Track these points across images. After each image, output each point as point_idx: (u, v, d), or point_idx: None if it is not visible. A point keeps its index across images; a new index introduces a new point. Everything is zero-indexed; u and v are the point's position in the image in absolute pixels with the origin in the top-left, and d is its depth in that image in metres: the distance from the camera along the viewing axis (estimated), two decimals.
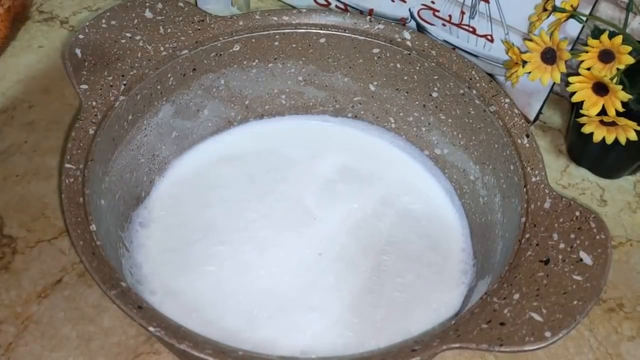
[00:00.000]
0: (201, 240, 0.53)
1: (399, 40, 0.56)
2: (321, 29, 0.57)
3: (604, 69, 0.52)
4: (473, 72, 0.53)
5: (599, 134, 0.54)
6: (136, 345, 0.49)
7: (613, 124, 0.53)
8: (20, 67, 0.68)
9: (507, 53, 0.57)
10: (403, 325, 0.49)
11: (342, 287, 0.51)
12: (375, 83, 0.59)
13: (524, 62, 0.54)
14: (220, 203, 0.55)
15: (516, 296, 0.41)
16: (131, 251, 0.51)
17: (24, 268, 0.53)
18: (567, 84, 0.53)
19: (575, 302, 0.40)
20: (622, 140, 0.53)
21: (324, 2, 0.72)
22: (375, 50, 0.57)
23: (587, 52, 0.52)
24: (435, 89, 0.56)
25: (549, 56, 0.53)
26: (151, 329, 0.38)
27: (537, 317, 0.39)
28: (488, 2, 0.60)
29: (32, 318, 0.50)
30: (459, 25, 0.64)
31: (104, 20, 0.53)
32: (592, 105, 0.53)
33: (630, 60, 0.50)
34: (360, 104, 0.61)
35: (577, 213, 0.44)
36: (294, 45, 0.57)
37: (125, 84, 0.50)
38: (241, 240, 0.53)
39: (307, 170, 0.58)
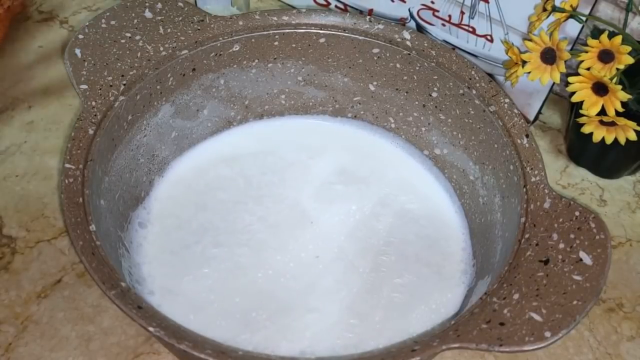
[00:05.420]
0: (198, 243, 0.53)
1: (398, 40, 0.56)
2: (321, 29, 0.57)
3: (604, 69, 0.52)
4: (473, 72, 0.53)
5: (599, 133, 0.54)
6: (136, 345, 0.49)
7: (612, 123, 0.53)
8: (20, 67, 0.68)
9: (506, 53, 0.57)
10: (402, 326, 0.49)
11: (340, 288, 0.51)
12: (375, 83, 0.59)
13: (524, 62, 0.54)
14: (218, 205, 0.55)
15: (516, 296, 0.41)
16: (131, 251, 0.51)
17: (23, 268, 0.53)
18: (567, 84, 0.53)
19: (574, 302, 0.40)
20: (622, 140, 0.53)
21: (324, 2, 0.72)
22: (375, 50, 0.57)
23: (586, 52, 0.52)
24: (435, 89, 0.56)
25: (548, 56, 0.53)
26: (151, 329, 0.38)
27: (536, 317, 0.39)
28: (488, 2, 0.60)
29: (32, 318, 0.50)
30: (458, 25, 0.64)
31: (103, 20, 0.53)
32: (591, 105, 0.53)
33: (630, 60, 0.50)
34: (359, 104, 0.61)
35: (577, 213, 0.44)
36: (293, 45, 0.57)
37: (125, 84, 0.50)
38: (238, 243, 0.53)
39: (305, 171, 0.58)
